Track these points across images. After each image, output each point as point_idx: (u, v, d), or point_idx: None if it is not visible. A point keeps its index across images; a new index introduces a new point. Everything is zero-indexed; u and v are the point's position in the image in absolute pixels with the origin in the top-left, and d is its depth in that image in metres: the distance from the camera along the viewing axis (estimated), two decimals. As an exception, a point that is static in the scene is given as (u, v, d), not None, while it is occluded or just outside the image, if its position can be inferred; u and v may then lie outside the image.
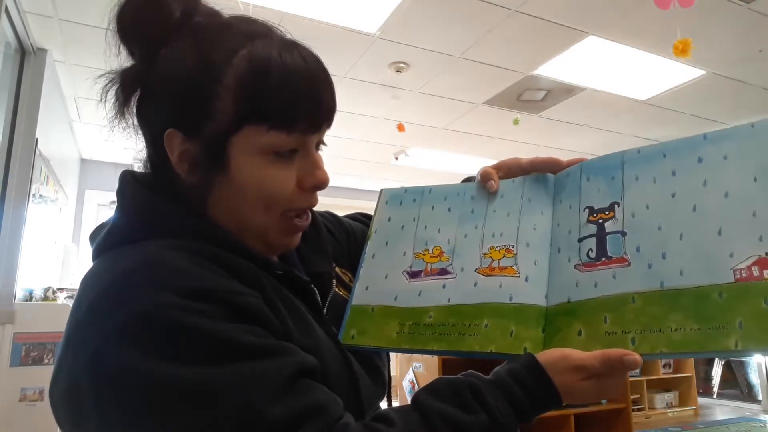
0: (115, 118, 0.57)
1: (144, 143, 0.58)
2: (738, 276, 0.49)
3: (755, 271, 0.48)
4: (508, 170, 0.71)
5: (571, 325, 0.56)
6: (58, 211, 3.93)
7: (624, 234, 0.58)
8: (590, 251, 0.59)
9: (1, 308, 2.46)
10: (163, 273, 0.47)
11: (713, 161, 0.56)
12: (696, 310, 0.49)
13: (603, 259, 0.58)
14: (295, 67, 0.52)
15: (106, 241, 0.55)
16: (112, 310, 0.45)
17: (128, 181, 0.57)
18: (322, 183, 0.58)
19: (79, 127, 4.34)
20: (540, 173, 0.69)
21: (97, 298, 0.47)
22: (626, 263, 0.56)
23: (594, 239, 0.59)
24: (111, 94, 0.56)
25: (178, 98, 0.53)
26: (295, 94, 0.52)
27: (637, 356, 0.49)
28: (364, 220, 0.86)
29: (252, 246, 0.57)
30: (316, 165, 0.58)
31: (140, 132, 0.58)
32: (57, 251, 4.06)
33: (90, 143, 4.76)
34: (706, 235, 0.52)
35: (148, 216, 0.54)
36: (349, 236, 0.79)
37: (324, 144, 0.61)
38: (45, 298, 2.79)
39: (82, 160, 5.10)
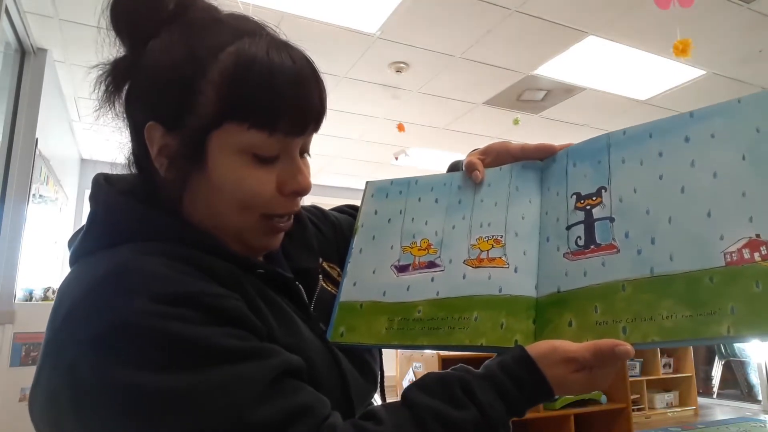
0: (103, 107, 0.56)
1: (129, 136, 0.57)
2: (728, 259, 0.48)
3: (746, 254, 0.47)
4: (496, 156, 0.70)
5: (561, 316, 0.55)
6: (58, 211, 3.93)
7: (612, 220, 0.57)
8: (578, 239, 0.58)
9: (1, 308, 2.46)
10: (138, 279, 0.46)
11: (700, 140, 0.54)
12: (687, 296, 0.48)
13: (592, 246, 0.57)
14: (281, 67, 0.51)
15: (81, 247, 0.53)
16: (88, 320, 0.44)
17: (101, 184, 0.56)
18: (303, 189, 0.56)
19: (79, 127, 4.35)
20: (531, 160, 0.68)
21: (72, 308, 0.46)
22: (615, 250, 0.55)
23: (582, 226, 0.58)
24: (103, 85, 0.56)
25: (160, 90, 0.52)
26: (279, 93, 0.51)
27: (628, 346, 0.48)
28: (351, 211, 0.84)
29: (230, 245, 0.56)
30: (298, 170, 0.55)
31: (126, 126, 0.57)
32: (57, 251, 4.06)
33: (90, 143, 4.76)
34: (695, 218, 0.51)
35: (122, 220, 0.53)
36: (336, 229, 0.77)
37: (308, 155, 0.59)
38: (45, 298, 2.80)
39: (82, 160, 5.10)
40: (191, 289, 0.46)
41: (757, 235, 0.47)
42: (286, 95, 0.51)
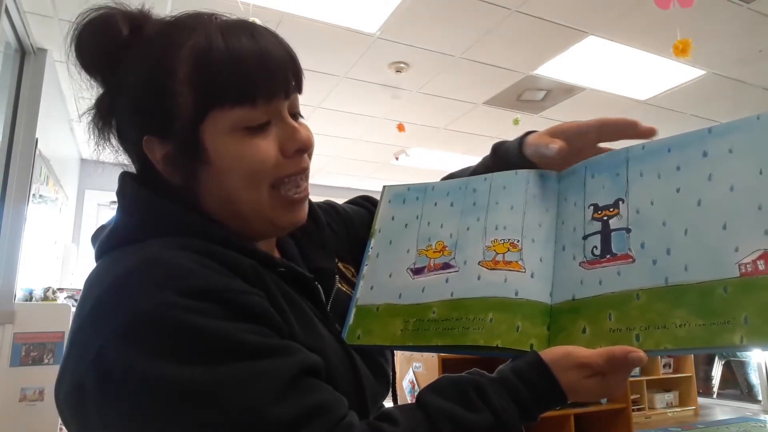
0: (99, 145, 0.58)
1: (132, 162, 0.59)
2: (743, 270, 0.48)
3: (761, 265, 0.47)
4: (566, 138, 0.66)
5: (575, 323, 0.55)
6: (58, 211, 3.93)
7: (628, 231, 0.57)
8: (595, 248, 0.59)
9: (1, 308, 2.46)
10: (165, 273, 0.47)
11: (718, 155, 0.55)
12: (701, 306, 0.49)
13: (608, 256, 0.57)
14: (239, 44, 0.53)
15: (108, 241, 0.55)
16: (115, 311, 0.45)
17: (127, 181, 0.57)
18: (305, 145, 0.57)
19: (79, 127, 4.34)
20: (607, 138, 0.65)
21: (99, 299, 0.47)
22: (631, 260, 0.56)
23: (599, 236, 0.59)
24: (95, 127, 0.58)
25: (142, 105, 0.54)
26: (246, 65, 0.52)
27: (641, 353, 0.49)
28: (363, 203, 0.84)
29: (258, 231, 0.58)
30: (294, 129, 0.56)
31: (126, 154, 0.59)
32: (57, 251, 4.06)
33: (89, 144, 4.75)
34: (711, 230, 0.52)
35: (149, 215, 0.54)
36: (348, 225, 0.78)
37: (301, 116, 0.60)
38: (45, 298, 2.79)
39: (82, 160, 5.10)
40: (217, 285, 0.47)
41: None
42: (253, 64, 0.53)
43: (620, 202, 0.60)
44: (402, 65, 3.33)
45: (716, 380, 5.67)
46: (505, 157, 0.74)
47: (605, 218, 0.60)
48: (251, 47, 0.53)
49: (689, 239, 0.53)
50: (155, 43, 0.54)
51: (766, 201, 0.50)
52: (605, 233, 0.59)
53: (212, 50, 0.52)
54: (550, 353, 0.52)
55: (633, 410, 3.76)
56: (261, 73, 0.53)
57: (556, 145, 0.65)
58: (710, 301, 0.48)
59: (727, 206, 0.52)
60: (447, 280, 0.64)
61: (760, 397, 5.23)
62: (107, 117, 0.57)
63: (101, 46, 0.55)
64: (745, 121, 0.55)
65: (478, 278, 0.62)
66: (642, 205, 0.58)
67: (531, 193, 0.66)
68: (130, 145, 0.58)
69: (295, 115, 0.59)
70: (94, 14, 0.55)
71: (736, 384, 5.53)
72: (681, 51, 2.37)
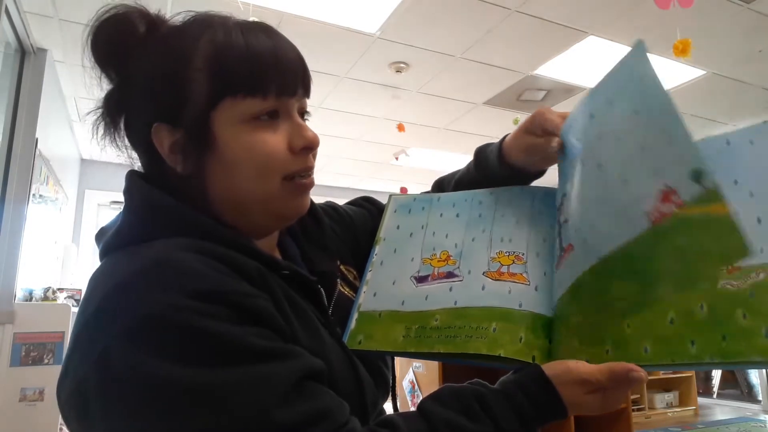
0: (104, 140, 0.59)
1: (138, 156, 0.60)
2: (653, 218, 0.47)
3: (664, 208, 0.47)
4: (545, 130, 0.68)
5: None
6: (58, 211, 3.93)
7: (566, 221, 0.59)
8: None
9: (1, 308, 2.45)
10: (172, 274, 0.47)
11: (601, 111, 0.55)
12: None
13: (560, 252, 0.58)
14: (256, 39, 0.55)
15: (114, 240, 0.55)
16: (121, 311, 0.45)
17: (134, 180, 0.57)
18: (312, 143, 0.58)
19: (79, 127, 4.34)
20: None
21: (105, 299, 0.47)
22: (572, 249, 0.56)
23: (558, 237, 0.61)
24: (102, 122, 0.59)
25: (154, 94, 0.55)
26: (262, 59, 0.54)
27: (642, 372, 0.49)
28: (365, 204, 0.85)
29: (260, 224, 0.58)
30: (301, 127, 0.58)
31: (132, 149, 0.59)
32: (57, 251, 4.06)
33: (90, 143, 4.76)
34: (613, 188, 0.51)
35: (156, 215, 0.54)
36: (349, 228, 0.78)
37: (308, 113, 0.61)
38: (45, 298, 2.79)
39: (82, 160, 5.10)
40: (223, 287, 0.47)
41: (667, 186, 0.46)
42: (268, 60, 0.55)
43: (563, 197, 0.61)
44: (402, 65, 3.33)
45: (716, 380, 5.67)
46: (484, 167, 0.77)
47: (562, 219, 0.61)
48: (269, 45, 0.55)
49: (602, 206, 0.53)
50: (171, 37, 0.56)
51: (649, 140, 0.49)
52: (559, 231, 0.60)
53: (232, 42, 0.54)
54: (551, 367, 0.53)
55: (633, 410, 3.75)
56: (276, 69, 0.55)
57: (556, 143, 0.67)
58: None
59: (619, 159, 0.52)
60: (451, 289, 0.64)
61: (760, 397, 5.22)
62: (116, 112, 0.58)
63: (117, 40, 0.56)
64: (616, 73, 0.55)
65: (483, 288, 0.62)
66: (568, 191, 0.59)
67: (537, 209, 0.67)
68: (137, 135, 0.58)
69: (302, 116, 0.60)
70: (113, 11, 0.56)
71: (736, 384, 5.53)
72: (681, 51, 2.37)
